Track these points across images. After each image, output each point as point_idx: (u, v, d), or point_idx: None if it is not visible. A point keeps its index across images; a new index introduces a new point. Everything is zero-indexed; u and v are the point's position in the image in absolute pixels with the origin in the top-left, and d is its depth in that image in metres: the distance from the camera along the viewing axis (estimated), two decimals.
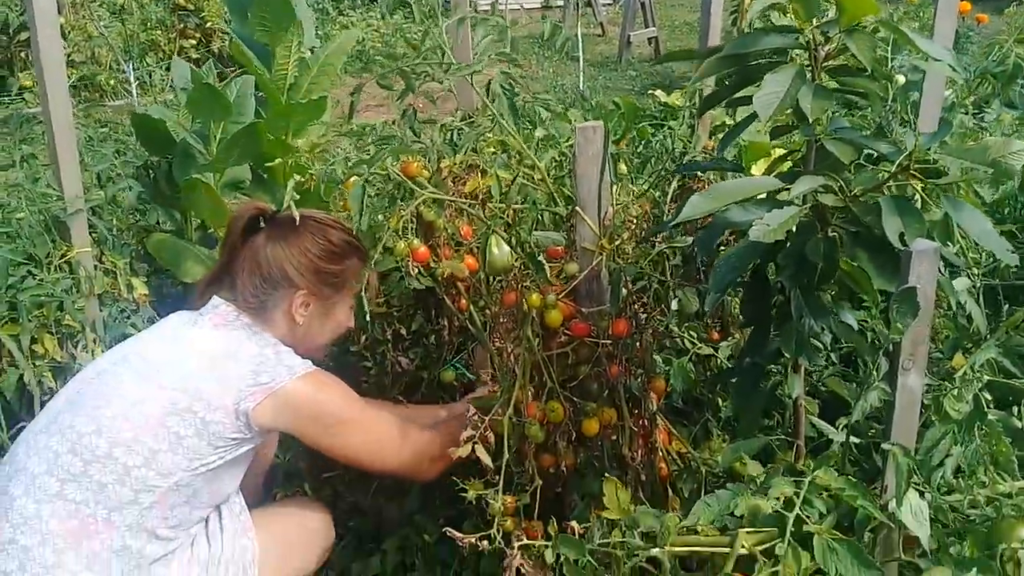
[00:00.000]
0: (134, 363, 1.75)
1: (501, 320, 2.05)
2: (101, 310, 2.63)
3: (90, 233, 2.64)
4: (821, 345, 1.58)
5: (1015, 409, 1.52)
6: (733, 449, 1.51)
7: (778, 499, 1.03)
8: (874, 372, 1.21)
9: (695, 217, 1.37)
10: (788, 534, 1.00)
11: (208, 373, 1.70)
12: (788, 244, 1.42)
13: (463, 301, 2.15)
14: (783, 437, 1.58)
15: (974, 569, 1.07)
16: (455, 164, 2.14)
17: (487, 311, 2.15)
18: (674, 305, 1.85)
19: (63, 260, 2.52)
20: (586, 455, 1.89)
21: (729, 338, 2.07)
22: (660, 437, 1.92)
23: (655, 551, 1.22)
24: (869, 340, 1.33)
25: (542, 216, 2.15)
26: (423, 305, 2.28)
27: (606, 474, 1.54)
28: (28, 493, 1.61)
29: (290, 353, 1.80)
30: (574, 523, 1.46)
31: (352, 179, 1.87)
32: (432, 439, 1.90)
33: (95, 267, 2.64)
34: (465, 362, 2.32)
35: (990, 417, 1.32)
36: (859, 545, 0.98)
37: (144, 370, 1.72)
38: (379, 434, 1.85)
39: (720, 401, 1.97)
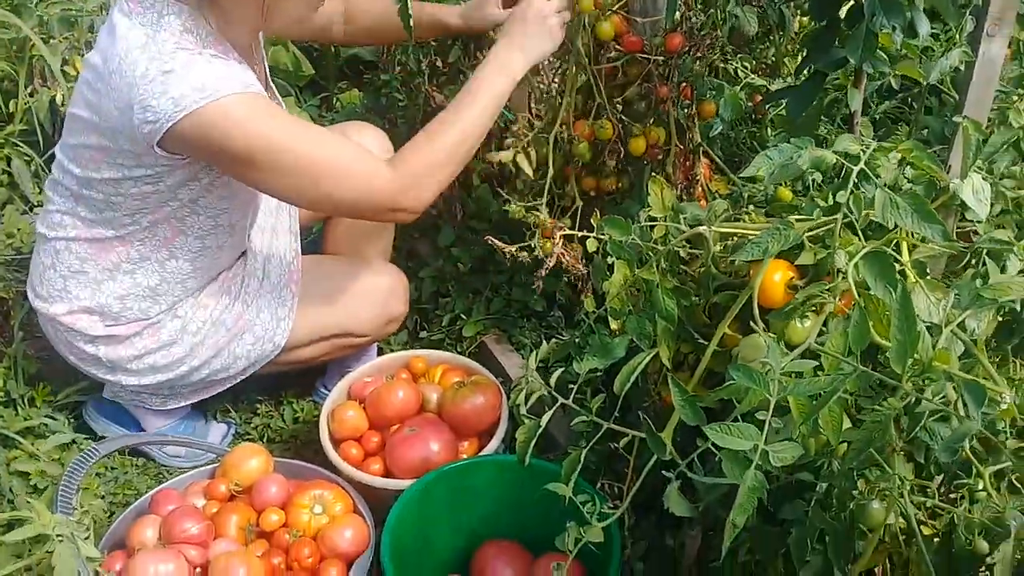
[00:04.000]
0: (87, 71, 1.56)
1: None
2: None
3: None
4: (885, 56, 1.50)
5: None
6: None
7: (843, 154, 0.99)
8: (958, 35, 1.15)
9: None
10: (851, 186, 0.96)
11: (98, 90, 1.48)
12: None
13: None
14: None
15: None
16: None
17: None
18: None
19: None
20: (627, 181, 1.86)
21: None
22: (703, 171, 1.89)
23: (701, 228, 1.20)
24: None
25: None
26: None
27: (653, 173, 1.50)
28: (55, 198, 1.64)
29: (182, 74, 1.40)
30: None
31: None
32: (429, 143, 1.59)
33: None
34: None
35: None
36: (922, 198, 0.95)
37: (88, 77, 1.54)
38: (324, 165, 1.49)
39: (769, 131, 1.91)
